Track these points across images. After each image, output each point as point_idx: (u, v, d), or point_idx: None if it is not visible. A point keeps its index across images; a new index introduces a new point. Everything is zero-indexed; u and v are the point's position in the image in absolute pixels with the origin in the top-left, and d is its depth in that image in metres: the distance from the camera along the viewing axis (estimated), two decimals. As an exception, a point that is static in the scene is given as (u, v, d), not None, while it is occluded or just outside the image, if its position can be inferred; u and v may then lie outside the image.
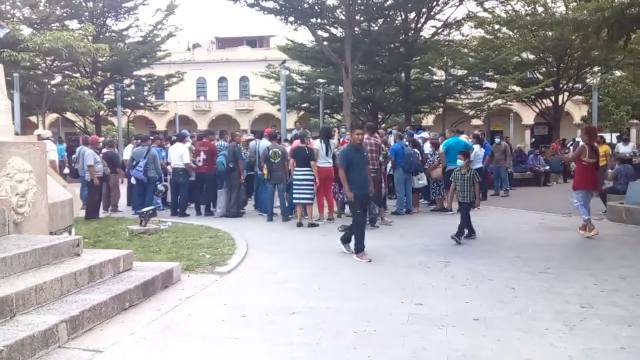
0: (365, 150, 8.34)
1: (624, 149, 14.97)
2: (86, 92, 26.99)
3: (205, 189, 12.08)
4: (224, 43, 52.11)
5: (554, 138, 28.05)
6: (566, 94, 28.23)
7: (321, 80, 26.76)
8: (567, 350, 4.17)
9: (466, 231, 8.71)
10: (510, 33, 26.17)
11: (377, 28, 23.83)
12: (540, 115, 30.28)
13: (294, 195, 10.42)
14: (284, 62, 21.01)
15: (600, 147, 13.41)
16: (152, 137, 13.68)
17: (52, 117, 34.49)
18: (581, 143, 9.56)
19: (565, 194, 13.77)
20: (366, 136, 10.26)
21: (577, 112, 38.77)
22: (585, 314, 5.00)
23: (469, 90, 28.19)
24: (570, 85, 28.14)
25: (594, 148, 9.07)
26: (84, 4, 28.48)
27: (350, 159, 7.64)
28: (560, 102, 28.00)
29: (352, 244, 7.61)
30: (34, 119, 28.73)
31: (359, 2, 21.54)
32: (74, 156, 13.35)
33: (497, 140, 17.47)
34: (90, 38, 25.49)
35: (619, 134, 18.43)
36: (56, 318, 4.31)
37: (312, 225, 10.08)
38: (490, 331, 4.58)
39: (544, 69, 27.81)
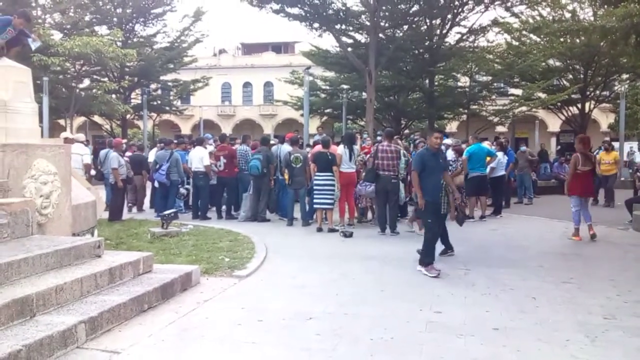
0: (442, 155, 7.77)
1: (605, 158, 15.04)
2: (113, 95, 27.46)
3: (226, 193, 12.17)
4: (249, 49, 52.55)
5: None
6: (593, 101, 27.75)
7: (344, 86, 26.77)
8: (588, 362, 4.09)
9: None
10: (537, 39, 25.85)
11: (401, 34, 23.75)
12: (566, 122, 29.83)
13: (315, 200, 10.42)
14: (308, 67, 21.09)
15: (608, 154, 13.27)
16: (175, 141, 13.85)
17: (79, 120, 35.14)
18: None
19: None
20: (385, 142, 10.26)
21: (604, 119, 38.11)
22: (608, 325, 4.89)
23: (494, 97, 27.94)
24: (597, 92, 27.64)
25: (587, 156, 9.49)
26: (112, 10, 29.04)
27: (425, 163, 7.19)
28: (587, 109, 27.54)
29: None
30: (61, 121, 29.28)
31: (384, 8, 21.51)
32: (99, 159, 13.55)
33: (523, 147, 17.26)
34: (118, 43, 25.94)
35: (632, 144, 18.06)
36: (75, 318, 4.36)
37: (331, 230, 10.06)
38: (510, 341, 4.50)
39: (571, 76, 27.41)
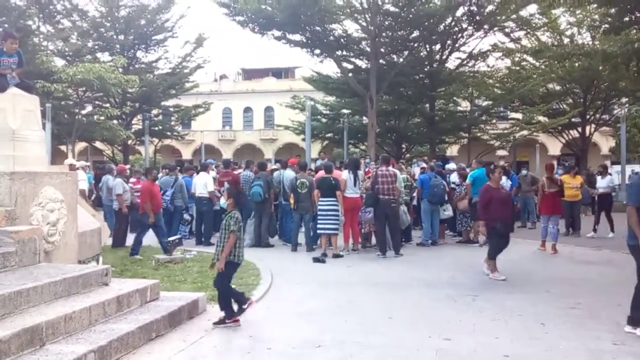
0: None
1: (599, 183, 14.55)
2: (115, 121, 27.58)
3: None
4: (249, 74, 52.99)
5: (580, 169, 27.65)
6: (593, 124, 27.91)
7: (345, 111, 26.97)
8: (601, 390, 4.05)
9: None
10: (537, 63, 26.11)
11: (401, 59, 24.03)
12: (567, 145, 29.99)
13: (318, 226, 10.41)
14: (310, 99, 21.22)
15: (574, 177, 13.14)
16: (178, 167, 13.87)
17: (80, 145, 35.24)
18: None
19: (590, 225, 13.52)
20: (383, 167, 10.36)
21: (605, 142, 38.27)
22: (617, 352, 4.86)
23: (494, 121, 28.13)
24: (597, 116, 27.83)
25: (552, 179, 11.04)
26: (115, 37, 29.35)
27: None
28: (587, 132, 27.70)
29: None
30: (63, 147, 29.37)
31: (384, 34, 21.79)
32: (100, 184, 13.57)
33: (524, 171, 17.29)
34: (120, 69, 26.16)
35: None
36: (84, 347, 4.34)
37: (336, 256, 10.03)
38: (520, 368, 4.48)
39: (571, 100, 27.63)
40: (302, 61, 64.82)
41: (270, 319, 6.05)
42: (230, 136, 48.81)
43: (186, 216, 12.56)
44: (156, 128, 31.61)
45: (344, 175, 10.78)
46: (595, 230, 13.31)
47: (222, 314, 5.71)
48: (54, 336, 4.41)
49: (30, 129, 6.49)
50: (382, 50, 22.31)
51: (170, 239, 9.80)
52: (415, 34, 22.44)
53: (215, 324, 5.62)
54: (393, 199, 10.16)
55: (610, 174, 15.71)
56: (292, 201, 11.02)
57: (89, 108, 29.18)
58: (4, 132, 6.21)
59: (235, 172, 12.50)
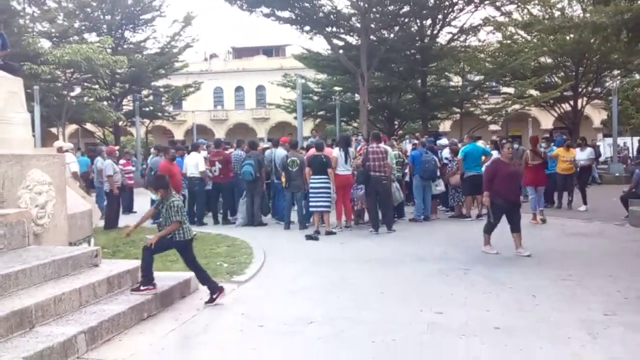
0: None
1: (579, 155, 14.14)
2: (105, 103, 27.33)
3: (222, 198, 12.12)
4: (240, 52, 52.50)
5: (573, 142, 27.71)
6: (585, 98, 27.88)
7: (337, 88, 26.79)
8: (590, 359, 4.08)
9: None
10: (528, 37, 25.96)
11: (392, 35, 23.82)
12: (559, 119, 29.98)
13: (310, 203, 10.40)
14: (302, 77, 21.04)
15: (568, 151, 13.17)
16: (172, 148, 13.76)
17: (71, 127, 34.98)
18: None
19: (588, 198, 13.56)
20: (374, 144, 10.33)
21: (597, 115, 38.28)
22: (609, 322, 4.89)
23: (486, 96, 28.05)
24: (589, 89, 27.79)
25: (536, 152, 11.38)
26: (101, 17, 28.93)
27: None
28: (579, 106, 27.66)
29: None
30: (54, 130, 29.13)
31: (374, 10, 21.54)
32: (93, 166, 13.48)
33: (516, 145, 17.28)
34: (108, 50, 25.83)
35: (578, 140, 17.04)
36: (75, 329, 4.33)
37: (329, 233, 10.03)
38: (511, 340, 4.50)
39: (562, 73, 27.55)
40: (293, 39, 64.38)
41: (262, 296, 6.06)
42: (222, 116, 48.52)
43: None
44: (147, 109, 31.32)
45: (335, 152, 10.73)
46: (585, 203, 13.29)
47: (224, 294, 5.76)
48: (43, 318, 4.39)
49: (14, 111, 6.40)
50: (372, 26, 22.08)
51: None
52: (406, 8, 22.19)
53: (132, 290, 5.52)
54: (384, 176, 10.14)
55: (590, 146, 15.52)
56: (283, 179, 10.98)
57: (78, 90, 28.91)
58: (-12, 115, 6.12)
59: (227, 152, 12.43)
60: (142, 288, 5.49)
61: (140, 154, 26.35)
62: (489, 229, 8.19)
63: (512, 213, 8.07)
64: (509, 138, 9.23)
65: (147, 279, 5.55)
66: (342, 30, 23.22)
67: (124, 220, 12.54)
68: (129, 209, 13.56)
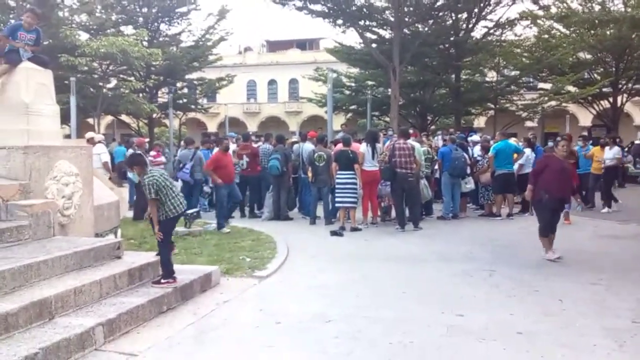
0: None
1: (606, 154, 13.60)
2: (140, 95, 27.71)
3: (249, 191, 12.16)
4: (274, 46, 52.57)
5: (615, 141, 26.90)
6: (625, 94, 27.00)
7: (369, 82, 26.59)
8: (615, 370, 3.94)
9: None
10: (566, 32, 25.27)
11: (426, 29, 23.47)
12: (598, 117, 29.12)
13: (337, 199, 10.34)
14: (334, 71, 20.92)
15: (602, 151, 12.83)
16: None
17: (107, 119, 35.61)
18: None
19: (622, 199, 13.18)
20: (401, 140, 10.19)
21: (638, 113, 37.11)
22: (637, 330, 4.71)
23: (522, 91, 27.44)
24: (630, 85, 26.89)
25: (571, 151, 10.38)
26: (138, 10, 29.30)
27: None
28: (619, 103, 26.82)
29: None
30: (90, 120, 29.70)
31: (408, 3, 21.27)
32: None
33: (550, 143, 16.88)
34: (144, 43, 26.16)
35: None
36: (93, 320, 4.37)
37: (354, 230, 9.96)
38: (533, 346, 4.37)
39: (602, 69, 26.72)
40: (326, 32, 64.09)
41: (282, 292, 6.04)
42: (255, 109, 48.72)
43: (206, 189, 12.61)
44: (181, 101, 31.66)
45: (362, 148, 10.63)
46: (616, 202, 12.87)
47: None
48: (63, 309, 4.45)
49: (44, 103, 6.52)
50: (405, 19, 21.80)
51: (189, 211, 9.82)
52: (441, 1, 21.85)
53: (153, 282, 5.56)
54: (410, 173, 9.98)
55: (619, 146, 14.87)
56: (310, 174, 10.94)
57: (113, 82, 29.38)
58: (18, 106, 6.24)
59: (255, 145, 12.45)
60: (162, 281, 5.53)
61: (173, 145, 26.65)
62: (544, 232, 7.58)
63: (554, 214, 7.65)
64: (564, 135, 8.77)
65: (167, 272, 5.59)
66: (375, 24, 22.99)
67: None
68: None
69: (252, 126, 45.36)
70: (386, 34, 23.58)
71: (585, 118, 37.71)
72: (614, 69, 25.81)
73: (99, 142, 11.10)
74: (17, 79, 6.29)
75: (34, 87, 6.39)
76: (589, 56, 26.22)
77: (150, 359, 4.17)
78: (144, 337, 4.59)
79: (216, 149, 12.38)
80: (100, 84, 26.76)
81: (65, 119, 22.22)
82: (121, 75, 28.70)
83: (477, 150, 12.92)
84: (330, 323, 4.93)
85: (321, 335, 4.64)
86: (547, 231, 7.57)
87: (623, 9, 22.07)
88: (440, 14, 23.17)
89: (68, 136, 19.09)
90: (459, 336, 4.60)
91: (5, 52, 6.35)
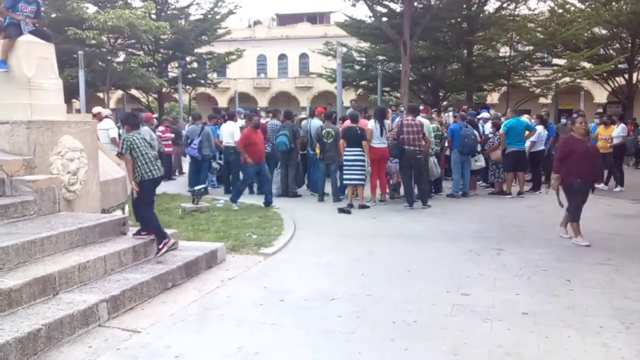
0: None
1: (614, 132, 13.03)
2: (149, 69, 27.57)
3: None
4: (284, 19, 52.04)
5: (626, 118, 26.47)
6: (641, 71, 26.49)
7: (380, 57, 26.26)
8: (620, 351, 3.88)
9: None
10: (581, 6, 24.72)
11: (437, 2, 23.05)
12: (613, 93, 28.64)
13: (344, 176, 10.26)
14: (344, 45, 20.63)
15: (607, 128, 12.56)
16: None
17: (118, 93, 35.57)
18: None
19: (636, 178, 13.00)
20: (409, 117, 10.04)
21: (654, 90, 36.42)
22: (645, 312, 4.64)
23: (536, 67, 26.99)
24: (646, 62, 26.36)
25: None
26: (145, -18, 29.00)
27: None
28: (635, 79, 26.33)
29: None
30: (100, 95, 29.68)
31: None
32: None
33: (563, 120, 16.64)
34: (152, 16, 25.92)
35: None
36: (97, 297, 4.38)
37: (362, 207, 9.90)
38: (538, 327, 4.32)
39: (618, 45, 26.18)
40: (337, 5, 63.20)
41: (287, 270, 6.02)
42: (266, 84, 48.43)
43: (215, 164, 12.57)
44: (190, 76, 31.50)
45: (370, 124, 10.51)
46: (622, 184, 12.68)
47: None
48: (67, 285, 4.46)
49: (45, 77, 6.46)
50: (417, -8, 21.43)
51: (196, 188, 9.82)
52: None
53: (133, 235, 5.71)
54: (419, 150, 9.87)
55: (623, 123, 14.40)
56: (317, 151, 10.86)
57: (122, 56, 29.24)
58: (20, 80, 6.19)
59: (263, 122, 12.35)
60: (160, 247, 5.65)
61: (183, 120, 26.60)
62: (577, 217, 7.28)
63: (585, 197, 7.39)
64: (580, 111, 8.37)
65: (160, 237, 5.67)
66: (385, -4, 22.64)
67: (162, 187, 12.74)
68: (167, 176, 13.71)
69: (262, 102, 45.17)
70: (397, 7, 23.21)
71: (601, 95, 37.17)
72: (629, 44, 25.28)
73: (107, 116, 11.03)
74: (18, 53, 6.22)
75: (35, 61, 6.32)
76: (604, 31, 25.66)
77: (152, 336, 4.17)
78: (148, 314, 4.60)
79: (223, 125, 12.35)
80: (109, 57, 26.62)
81: (74, 93, 22.30)
82: (130, 49, 28.55)
83: (488, 127, 12.75)
84: (334, 301, 4.91)
85: (324, 313, 4.62)
86: (579, 216, 7.34)
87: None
88: (453, -14, 22.74)
89: (78, 110, 19.09)
90: (464, 316, 4.56)
91: (5, 26, 6.26)
